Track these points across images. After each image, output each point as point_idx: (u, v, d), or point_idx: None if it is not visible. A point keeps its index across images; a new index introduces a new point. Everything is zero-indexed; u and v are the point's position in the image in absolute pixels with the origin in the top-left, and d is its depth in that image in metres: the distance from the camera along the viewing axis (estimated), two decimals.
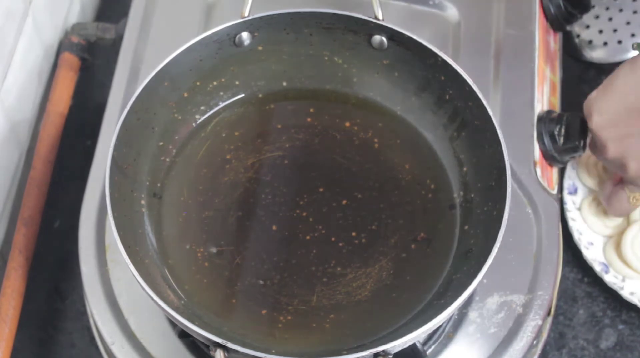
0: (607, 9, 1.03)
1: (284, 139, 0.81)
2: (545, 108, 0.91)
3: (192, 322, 0.64)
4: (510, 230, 0.73)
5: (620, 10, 1.02)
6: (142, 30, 0.93)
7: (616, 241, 0.95)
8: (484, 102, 0.73)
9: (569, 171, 0.98)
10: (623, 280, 0.93)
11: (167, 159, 0.78)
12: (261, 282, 0.73)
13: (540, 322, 0.81)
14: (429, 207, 0.77)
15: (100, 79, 0.99)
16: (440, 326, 0.80)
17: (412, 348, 0.73)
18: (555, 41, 0.99)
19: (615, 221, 0.96)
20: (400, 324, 0.71)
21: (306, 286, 0.73)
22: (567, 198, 0.97)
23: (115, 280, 0.80)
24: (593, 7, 1.01)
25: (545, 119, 0.89)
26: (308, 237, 0.75)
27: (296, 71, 0.82)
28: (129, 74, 0.90)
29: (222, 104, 0.82)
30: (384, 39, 0.77)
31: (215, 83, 0.80)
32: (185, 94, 0.79)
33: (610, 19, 1.02)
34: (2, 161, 0.91)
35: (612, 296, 0.94)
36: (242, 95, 0.82)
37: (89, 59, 1.03)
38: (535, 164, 0.87)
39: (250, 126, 0.81)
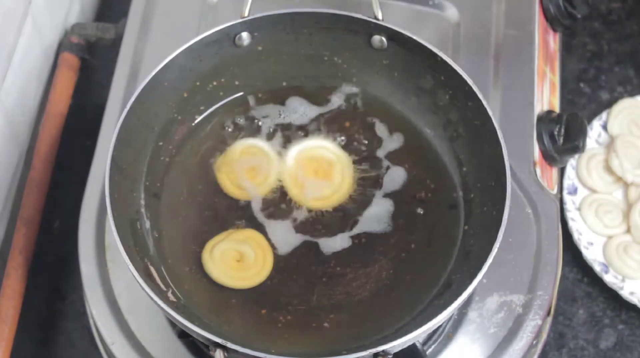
0: None
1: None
2: (545, 108, 0.91)
3: (192, 322, 0.64)
4: (510, 230, 0.73)
5: None
6: (142, 30, 0.93)
7: (616, 241, 0.95)
8: (484, 102, 0.73)
9: (569, 171, 0.98)
10: (623, 280, 0.93)
11: (167, 159, 0.78)
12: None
13: (540, 322, 0.81)
14: (429, 207, 0.77)
15: (100, 79, 0.99)
16: (440, 326, 0.80)
17: (412, 348, 0.73)
18: (555, 41, 0.99)
19: (615, 221, 0.96)
20: (400, 324, 0.71)
21: (306, 286, 0.73)
22: (567, 198, 0.97)
23: (115, 280, 0.80)
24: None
25: (545, 119, 0.89)
26: (308, 237, 0.75)
27: (296, 71, 0.82)
28: (129, 74, 0.90)
29: (221, 104, 0.82)
30: (384, 39, 0.77)
31: (215, 83, 0.80)
32: (185, 94, 0.79)
33: None
34: (2, 161, 0.91)
35: (611, 297, 0.94)
36: (242, 95, 0.82)
37: (89, 59, 1.03)
38: (535, 164, 0.87)
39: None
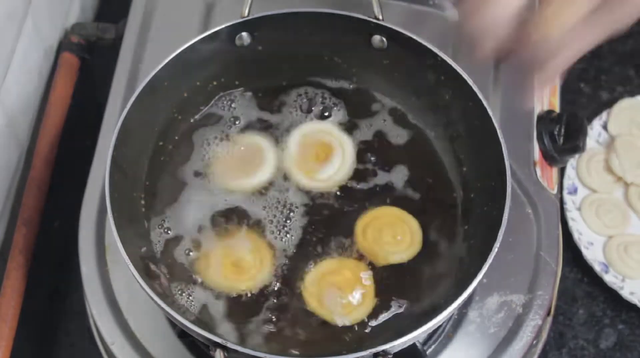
0: None
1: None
2: (546, 108, 0.91)
3: (192, 322, 0.64)
4: (510, 230, 0.73)
5: None
6: (142, 30, 0.93)
7: (616, 241, 0.95)
8: (484, 102, 0.73)
9: (569, 171, 0.98)
10: (623, 280, 0.93)
11: (167, 159, 0.78)
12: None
13: (540, 322, 0.80)
14: (429, 207, 0.77)
15: (100, 79, 0.99)
16: (440, 326, 0.80)
17: (412, 348, 0.73)
18: None
19: (616, 221, 0.96)
20: (400, 324, 0.71)
21: None
22: (567, 198, 0.97)
23: (115, 280, 0.80)
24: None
25: (545, 119, 0.89)
26: (308, 236, 0.75)
27: (296, 70, 0.82)
28: (129, 74, 0.90)
29: (221, 104, 0.81)
30: (384, 39, 0.77)
31: (215, 83, 0.80)
32: (185, 94, 0.79)
33: None
34: (2, 161, 0.91)
35: (612, 297, 0.94)
36: (242, 94, 0.82)
37: (89, 59, 1.03)
38: (535, 164, 0.87)
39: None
